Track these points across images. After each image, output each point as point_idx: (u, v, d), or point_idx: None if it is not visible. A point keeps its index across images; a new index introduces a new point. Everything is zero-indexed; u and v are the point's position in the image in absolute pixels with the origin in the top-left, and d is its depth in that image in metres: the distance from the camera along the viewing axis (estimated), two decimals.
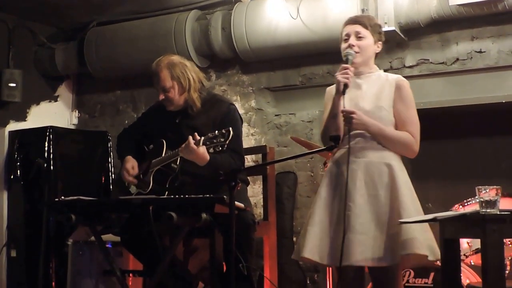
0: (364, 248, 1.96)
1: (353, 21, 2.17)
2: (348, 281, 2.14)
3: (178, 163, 2.44)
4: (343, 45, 2.15)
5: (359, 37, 2.13)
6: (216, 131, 2.24)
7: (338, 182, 2.08)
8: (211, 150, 2.26)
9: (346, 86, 2.03)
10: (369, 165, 2.05)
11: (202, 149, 2.28)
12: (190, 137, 2.28)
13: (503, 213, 1.69)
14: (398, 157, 2.11)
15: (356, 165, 2.05)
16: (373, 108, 2.08)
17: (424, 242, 1.98)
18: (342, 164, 2.07)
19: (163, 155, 2.53)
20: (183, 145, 2.32)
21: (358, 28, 2.13)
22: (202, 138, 2.26)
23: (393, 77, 2.16)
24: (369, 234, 1.98)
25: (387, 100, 2.10)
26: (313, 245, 2.04)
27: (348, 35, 2.15)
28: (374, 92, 2.12)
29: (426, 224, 2.05)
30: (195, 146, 2.26)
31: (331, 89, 2.20)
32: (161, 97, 2.52)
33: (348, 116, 2.02)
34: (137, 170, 2.57)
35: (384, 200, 2.02)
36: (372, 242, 1.98)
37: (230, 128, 2.21)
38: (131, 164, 2.57)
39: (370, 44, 2.14)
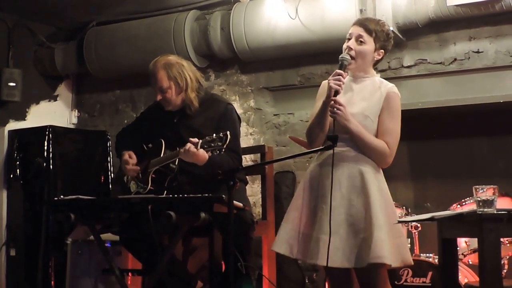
0: (331, 249, 1.95)
1: (359, 23, 2.14)
2: (336, 281, 2.15)
3: (176, 163, 2.44)
4: (344, 45, 2.14)
5: (360, 41, 2.10)
6: (214, 135, 2.24)
7: (316, 183, 2.09)
8: (209, 153, 2.27)
9: (337, 92, 2.03)
10: (346, 169, 2.06)
11: (202, 151, 2.29)
12: (189, 144, 2.28)
13: (500, 212, 1.70)
14: (374, 166, 2.10)
15: (334, 168, 2.04)
16: (360, 115, 2.07)
17: (392, 250, 1.97)
18: (322, 165, 2.09)
19: (161, 154, 2.53)
20: (182, 150, 2.32)
21: (361, 31, 2.10)
22: (200, 141, 2.26)
23: (386, 86, 2.13)
24: (337, 235, 1.98)
25: (374, 110, 2.09)
26: (283, 240, 2.08)
27: (351, 36, 2.13)
28: (365, 100, 2.11)
29: (399, 229, 2.06)
30: (195, 150, 2.26)
31: (326, 84, 2.18)
32: (159, 97, 2.52)
33: (336, 106, 2.01)
34: (134, 157, 2.56)
35: (357, 205, 2.03)
36: (340, 244, 1.98)
37: (228, 132, 2.21)
38: (128, 154, 2.56)
39: (369, 51, 2.11)
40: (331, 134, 2.00)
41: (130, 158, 2.55)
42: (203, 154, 2.30)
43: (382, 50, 2.14)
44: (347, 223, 2.01)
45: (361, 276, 2.06)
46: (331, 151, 2.00)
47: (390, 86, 2.14)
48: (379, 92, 2.11)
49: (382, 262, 1.95)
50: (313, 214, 2.06)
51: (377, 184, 2.06)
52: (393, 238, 2.01)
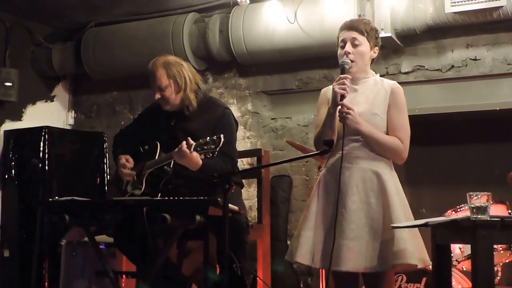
0: (354, 254, 1.97)
1: (348, 27, 2.15)
2: (342, 286, 2.14)
3: (171, 165, 2.44)
4: (340, 52, 2.14)
5: (355, 44, 2.12)
6: (208, 138, 2.24)
7: (332, 188, 2.08)
8: (202, 156, 2.27)
9: (343, 97, 2.03)
10: (362, 172, 2.06)
11: (195, 154, 2.28)
12: (184, 142, 2.28)
13: (493, 219, 1.70)
14: (388, 165, 2.11)
15: (349, 171, 2.05)
16: (368, 114, 2.08)
17: (415, 250, 1.99)
18: (335, 169, 2.08)
19: (156, 157, 2.53)
20: (176, 149, 2.32)
21: (354, 34, 2.12)
22: (194, 144, 2.26)
23: (389, 83, 2.16)
24: (361, 240, 1.99)
25: (382, 107, 2.11)
26: (306, 250, 2.06)
27: (344, 42, 2.14)
28: (370, 98, 2.12)
29: (416, 229, 2.06)
30: (187, 150, 2.26)
31: (327, 91, 2.21)
32: (157, 96, 2.52)
33: (346, 111, 2.02)
34: (132, 162, 2.56)
35: (376, 207, 2.03)
36: (364, 248, 1.98)
37: (222, 135, 2.21)
38: (124, 157, 2.56)
39: (366, 51, 2.13)
40: (328, 139, 2.00)
41: (127, 162, 2.55)
42: (196, 159, 2.29)
43: (376, 48, 2.18)
44: (369, 227, 2.01)
45: (370, 279, 2.06)
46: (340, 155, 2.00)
47: (392, 82, 2.18)
48: (383, 89, 2.13)
49: (408, 263, 1.95)
50: (331, 220, 2.04)
51: (394, 183, 2.07)
52: (413, 238, 2.01)
